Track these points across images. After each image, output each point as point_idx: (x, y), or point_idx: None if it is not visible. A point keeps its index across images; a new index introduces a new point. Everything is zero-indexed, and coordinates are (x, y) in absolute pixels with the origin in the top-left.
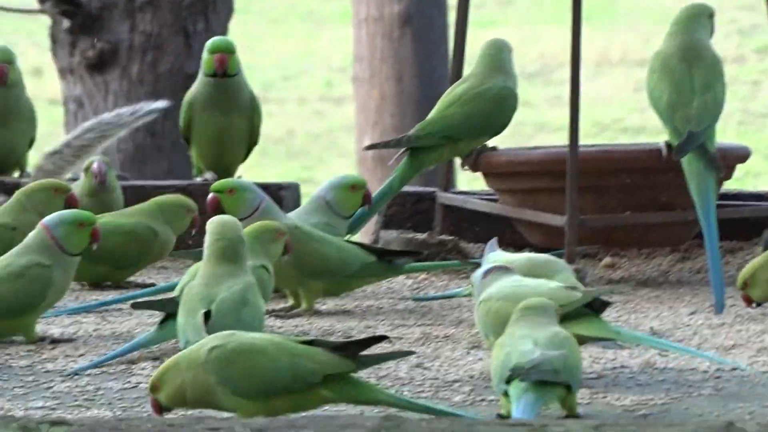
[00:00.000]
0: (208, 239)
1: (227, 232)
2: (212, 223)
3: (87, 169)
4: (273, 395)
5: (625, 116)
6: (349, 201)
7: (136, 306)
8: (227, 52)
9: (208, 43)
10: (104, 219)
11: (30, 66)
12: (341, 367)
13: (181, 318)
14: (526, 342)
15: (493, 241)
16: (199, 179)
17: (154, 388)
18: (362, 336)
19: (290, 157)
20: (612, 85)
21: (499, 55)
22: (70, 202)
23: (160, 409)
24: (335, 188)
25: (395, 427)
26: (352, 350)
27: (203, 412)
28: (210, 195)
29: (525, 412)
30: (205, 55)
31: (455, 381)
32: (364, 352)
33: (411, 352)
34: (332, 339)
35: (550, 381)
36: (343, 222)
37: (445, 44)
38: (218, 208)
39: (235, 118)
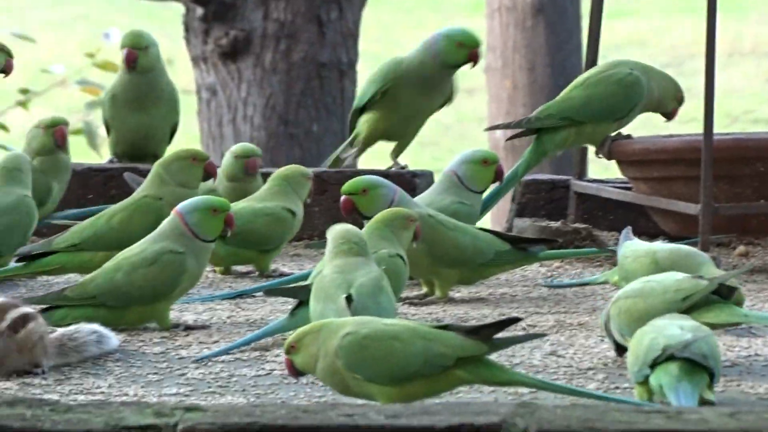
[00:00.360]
0: (331, 244)
1: (351, 236)
2: (333, 231)
3: (237, 156)
4: (407, 380)
5: (756, 107)
6: (481, 176)
7: (269, 293)
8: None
9: (462, 34)
10: (241, 204)
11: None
12: (474, 350)
13: (316, 305)
14: (672, 327)
15: (628, 229)
16: (393, 168)
17: (291, 349)
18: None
19: (421, 147)
20: (743, 76)
21: (633, 61)
22: (209, 170)
23: (295, 371)
24: (466, 162)
25: (529, 414)
26: (486, 333)
27: (336, 399)
28: (343, 198)
29: (686, 401)
30: (452, 47)
31: (589, 368)
32: (498, 336)
33: (543, 335)
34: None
35: (699, 365)
36: (477, 197)
37: (578, 34)
38: (353, 210)
39: (436, 99)
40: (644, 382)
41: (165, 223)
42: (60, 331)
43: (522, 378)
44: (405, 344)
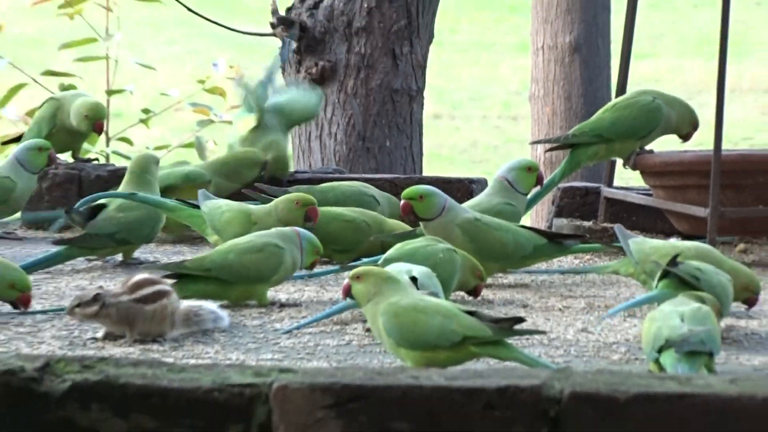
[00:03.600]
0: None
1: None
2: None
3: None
4: (426, 348)
5: (753, 135)
6: (526, 180)
7: (344, 269)
8: None
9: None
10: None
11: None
12: (479, 333)
13: None
14: (674, 317)
15: (620, 227)
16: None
17: (356, 278)
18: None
19: (473, 164)
20: (742, 109)
21: (660, 91)
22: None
23: (348, 293)
24: (515, 169)
25: (565, 378)
26: (503, 324)
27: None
28: (403, 202)
29: None
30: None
31: (614, 343)
32: (516, 327)
33: (543, 332)
34: (510, 307)
35: (698, 351)
36: (523, 198)
37: (608, 69)
38: (411, 212)
39: None
40: (655, 360)
41: (283, 228)
42: (187, 304)
43: (520, 355)
44: (427, 317)
